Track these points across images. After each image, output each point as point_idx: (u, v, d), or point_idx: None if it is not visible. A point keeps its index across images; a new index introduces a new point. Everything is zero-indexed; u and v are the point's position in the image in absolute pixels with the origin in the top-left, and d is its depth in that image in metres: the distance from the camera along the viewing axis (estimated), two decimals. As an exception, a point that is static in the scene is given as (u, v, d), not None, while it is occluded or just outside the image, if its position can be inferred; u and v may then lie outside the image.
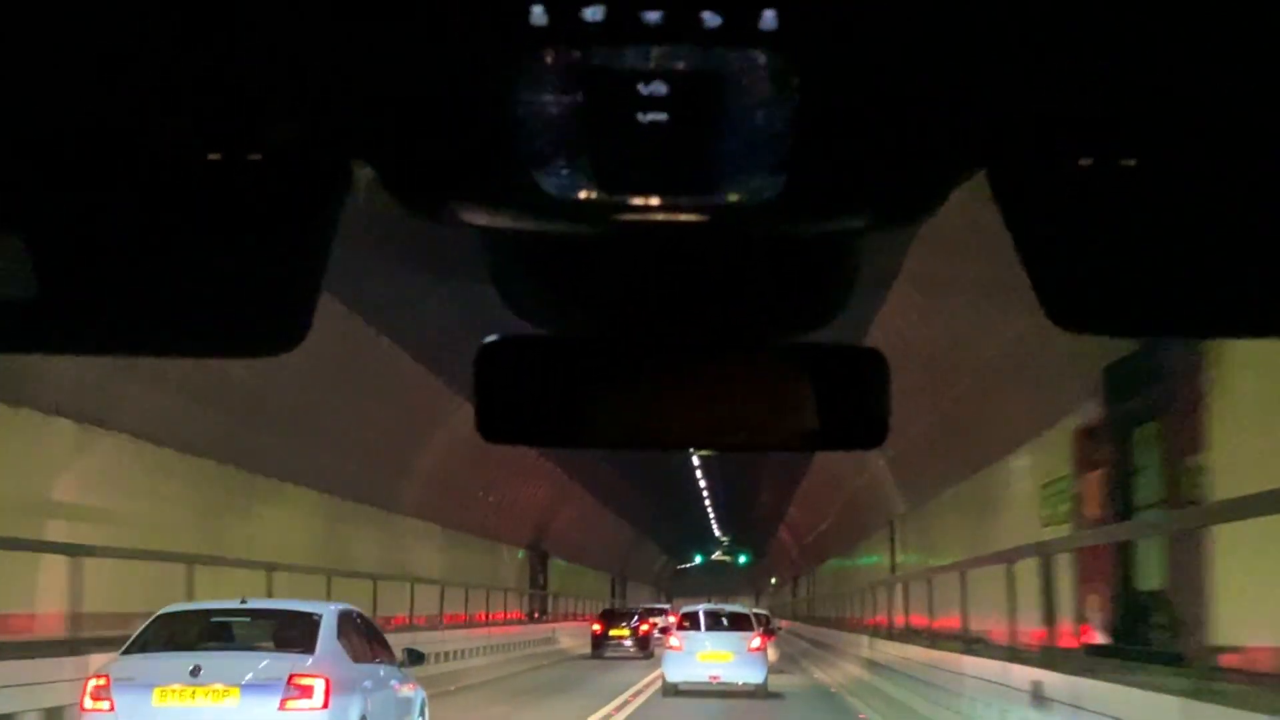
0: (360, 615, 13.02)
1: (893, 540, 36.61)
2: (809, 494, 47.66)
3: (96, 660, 12.07)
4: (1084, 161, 1.26)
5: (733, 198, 1.24)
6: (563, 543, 51.88)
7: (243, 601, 12.45)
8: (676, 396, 1.75)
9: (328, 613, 11.98)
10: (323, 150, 1.30)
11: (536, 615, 46.45)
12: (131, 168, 1.32)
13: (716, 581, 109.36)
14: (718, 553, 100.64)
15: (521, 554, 46.08)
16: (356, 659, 11.90)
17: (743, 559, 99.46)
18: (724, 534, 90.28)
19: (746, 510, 68.66)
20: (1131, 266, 1.31)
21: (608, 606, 51.63)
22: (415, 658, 13.32)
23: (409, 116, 1.22)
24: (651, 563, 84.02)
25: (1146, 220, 1.28)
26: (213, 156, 1.30)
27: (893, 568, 35.91)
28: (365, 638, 12.57)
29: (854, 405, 1.77)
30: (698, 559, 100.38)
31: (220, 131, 1.29)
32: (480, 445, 1.70)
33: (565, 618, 49.32)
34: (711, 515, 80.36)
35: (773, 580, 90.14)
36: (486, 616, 34.09)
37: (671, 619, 38.76)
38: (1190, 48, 1.20)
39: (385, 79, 1.20)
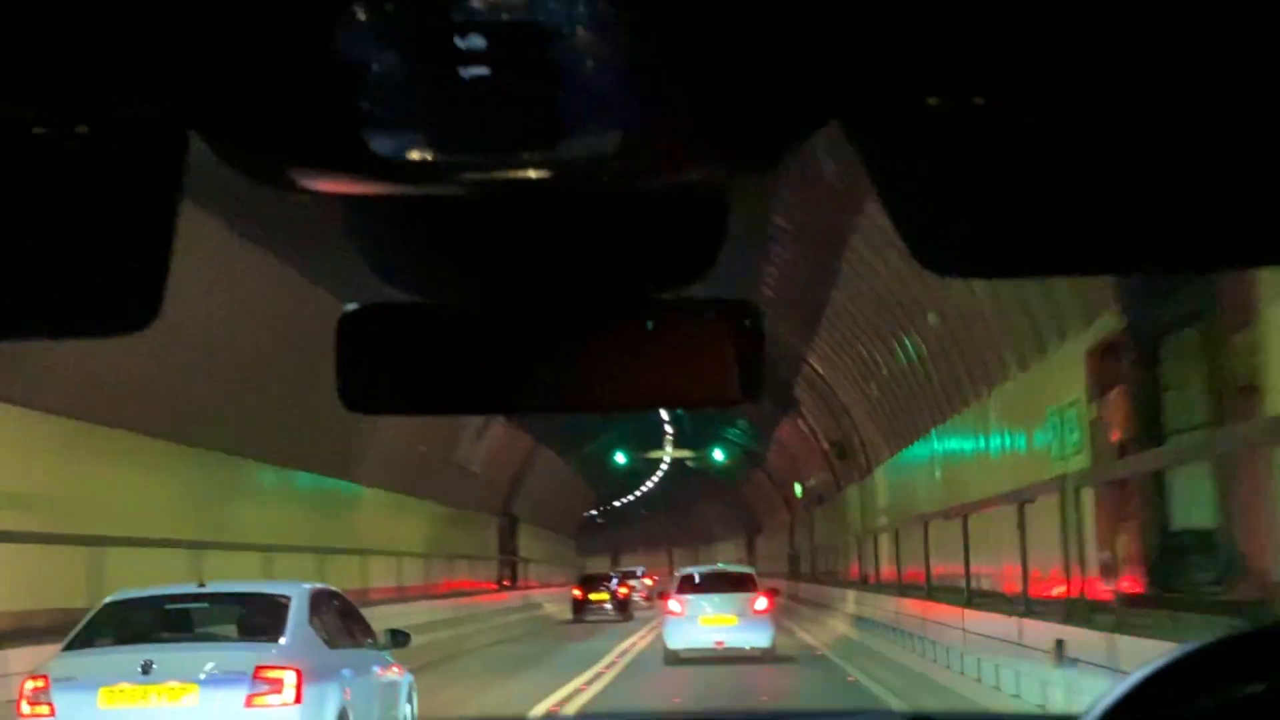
0: (335, 594, 11.83)
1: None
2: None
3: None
4: (932, 100, 1.25)
5: (573, 153, 1.23)
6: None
7: (200, 585, 11.29)
8: (547, 358, 1.77)
9: (297, 593, 10.84)
10: (151, 120, 1.28)
11: None
12: None
13: (661, 523, 71.91)
14: (668, 437, 53.27)
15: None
16: (332, 644, 10.82)
17: (719, 454, 54.70)
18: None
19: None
20: (990, 207, 1.30)
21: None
22: (400, 638, 12.09)
23: (230, 81, 1.20)
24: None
25: (999, 159, 1.28)
26: (37, 130, 1.28)
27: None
28: (341, 619, 11.41)
29: (729, 359, 1.78)
30: (619, 459, 55.95)
31: (42, 105, 1.26)
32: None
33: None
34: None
35: (799, 488, 45.02)
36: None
37: None
38: None
39: (202, 42, 1.18)
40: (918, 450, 27.17)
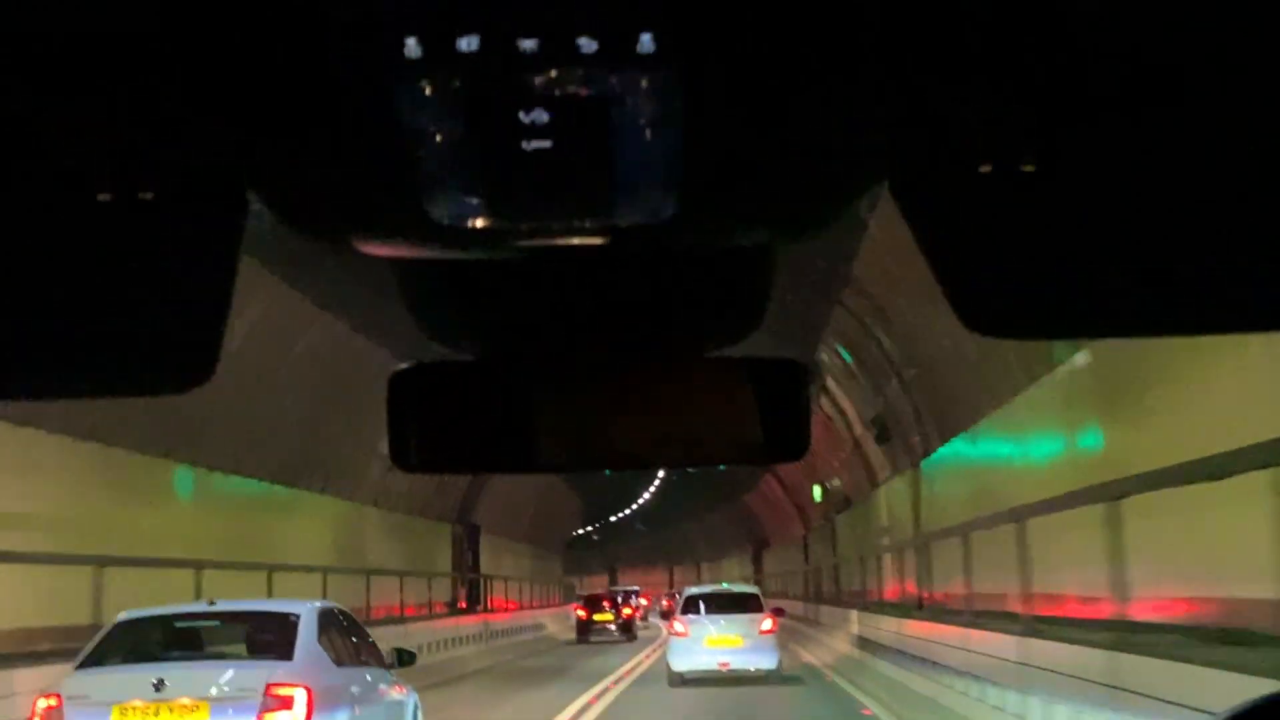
0: (343, 612, 11.91)
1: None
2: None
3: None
4: (984, 168, 1.28)
5: (628, 220, 1.26)
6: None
7: (210, 603, 11.38)
8: (595, 417, 1.81)
9: (306, 612, 10.92)
10: (215, 185, 1.33)
11: None
12: (19, 214, 1.33)
13: (660, 538, 67.62)
14: None
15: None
16: (340, 662, 10.88)
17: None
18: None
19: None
20: (1040, 271, 1.33)
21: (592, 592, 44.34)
22: (406, 657, 12.23)
23: (296, 149, 1.24)
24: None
25: (1049, 224, 1.31)
26: (103, 197, 1.31)
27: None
28: (349, 637, 11.51)
29: (775, 417, 1.83)
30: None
31: (107, 172, 1.31)
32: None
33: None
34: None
35: (818, 491, 36.63)
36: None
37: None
38: (1081, 55, 1.23)
39: (269, 112, 1.21)
40: (1014, 417, 17.79)
